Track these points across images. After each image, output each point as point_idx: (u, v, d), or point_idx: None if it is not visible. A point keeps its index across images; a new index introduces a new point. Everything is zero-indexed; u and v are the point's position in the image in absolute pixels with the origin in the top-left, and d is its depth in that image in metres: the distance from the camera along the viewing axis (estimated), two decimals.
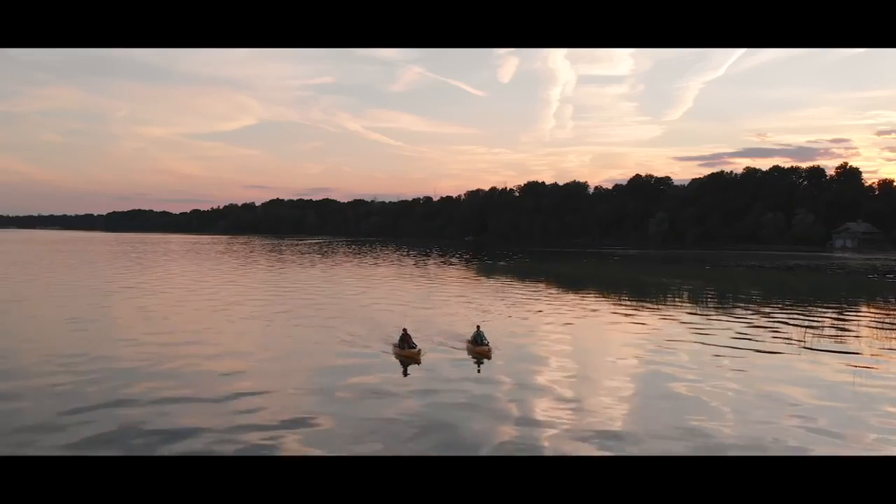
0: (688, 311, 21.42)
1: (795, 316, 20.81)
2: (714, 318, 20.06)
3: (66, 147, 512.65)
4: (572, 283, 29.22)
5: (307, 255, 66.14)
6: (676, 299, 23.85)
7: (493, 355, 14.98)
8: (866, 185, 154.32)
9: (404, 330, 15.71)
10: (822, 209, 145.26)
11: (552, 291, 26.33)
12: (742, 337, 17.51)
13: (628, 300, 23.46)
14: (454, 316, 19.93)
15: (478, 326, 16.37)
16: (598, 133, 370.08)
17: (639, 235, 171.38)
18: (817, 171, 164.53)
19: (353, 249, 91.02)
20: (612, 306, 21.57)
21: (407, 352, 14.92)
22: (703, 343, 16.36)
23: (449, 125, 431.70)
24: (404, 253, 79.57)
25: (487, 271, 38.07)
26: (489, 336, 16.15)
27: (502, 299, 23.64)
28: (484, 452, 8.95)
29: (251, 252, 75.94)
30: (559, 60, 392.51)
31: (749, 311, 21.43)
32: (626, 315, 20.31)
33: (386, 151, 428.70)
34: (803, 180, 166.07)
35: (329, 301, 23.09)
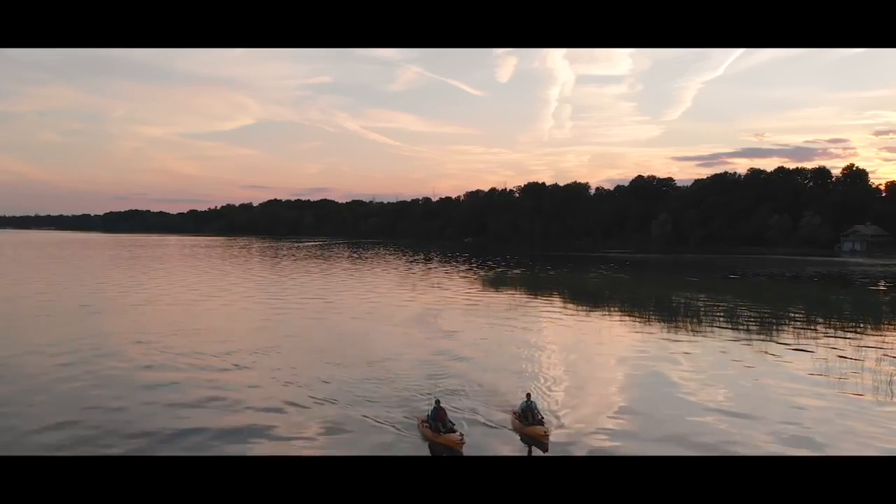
0: (739, 341, 19.17)
1: (865, 346, 18.54)
2: (776, 352, 17.81)
3: (64, 147, 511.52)
4: (593, 300, 27.01)
5: (308, 262, 63.89)
6: (717, 324, 21.65)
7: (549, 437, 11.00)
8: (873, 186, 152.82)
9: (437, 402, 11.68)
10: (829, 211, 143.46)
11: (576, 314, 24.11)
12: (822, 375, 15.27)
13: (665, 326, 21.21)
14: (484, 358, 16.24)
15: (528, 395, 12.09)
16: (597, 133, 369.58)
17: (641, 238, 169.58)
18: (823, 173, 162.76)
19: (354, 253, 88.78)
20: (653, 338, 19.34)
21: (444, 438, 11.21)
22: (794, 395, 13.50)
23: (447, 125, 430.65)
24: (407, 258, 77.37)
25: (498, 284, 35.88)
26: (541, 404, 12.33)
27: (527, 327, 21.28)
28: None
29: (250, 256, 73.67)
30: (558, 60, 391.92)
31: (807, 342, 19.15)
32: (680, 352, 17.94)
33: (384, 151, 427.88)
34: (808, 181, 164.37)
35: (335, 333, 20.60)
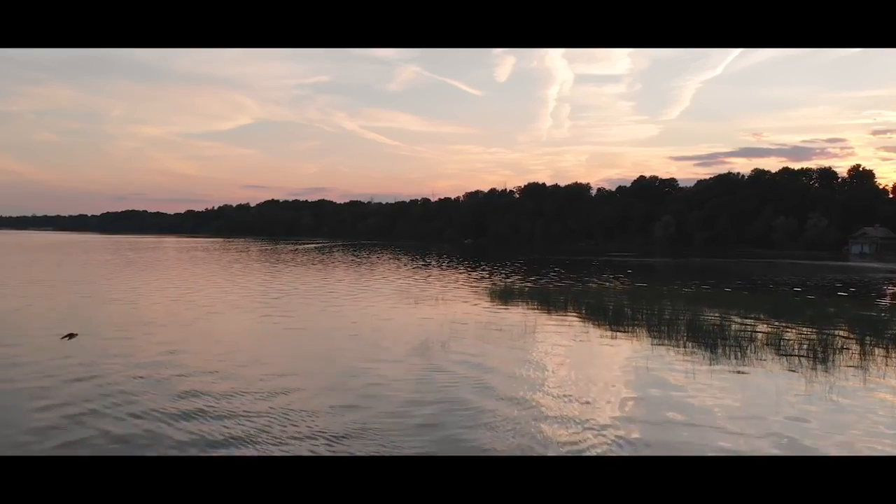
0: (796, 375, 16.80)
1: None
2: (843, 390, 15.37)
3: (62, 146, 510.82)
4: (617, 321, 24.58)
5: (308, 268, 61.53)
6: (764, 353, 19.29)
7: None
8: (879, 187, 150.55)
9: None
10: (835, 213, 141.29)
11: (602, 340, 21.70)
12: None
13: (708, 358, 18.80)
14: (524, 427, 13.06)
15: None
16: (595, 132, 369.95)
17: (644, 239, 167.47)
18: (828, 174, 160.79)
19: (353, 258, 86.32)
20: (701, 374, 16.91)
21: None
22: None
23: (446, 125, 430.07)
24: (408, 263, 74.99)
25: (506, 298, 33.57)
26: None
27: (551, 361, 18.69)
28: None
29: (249, 262, 71.19)
30: (556, 60, 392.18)
31: (875, 375, 16.75)
32: (737, 393, 15.51)
33: (383, 151, 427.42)
34: (814, 182, 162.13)
35: (339, 369, 18.05)
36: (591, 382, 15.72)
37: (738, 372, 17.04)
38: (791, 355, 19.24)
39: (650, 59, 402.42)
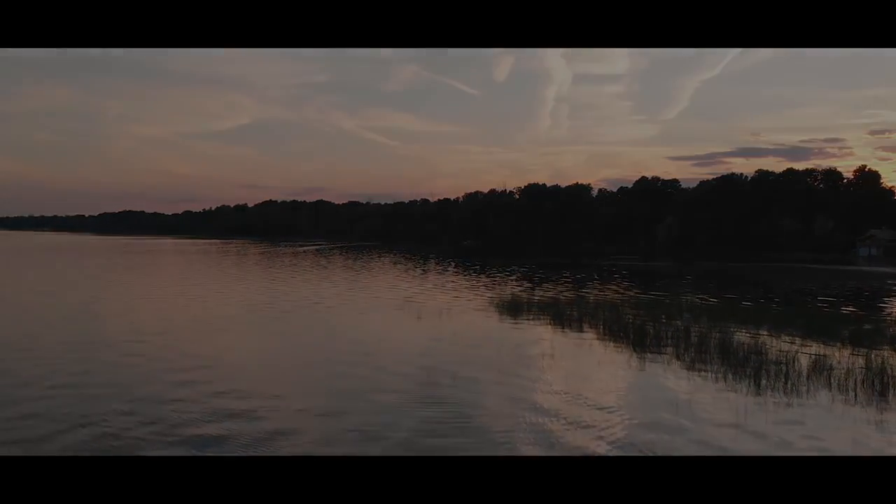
0: (855, 413, 14.97)
1: None
2: None
3: (59, 147, 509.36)
4: (641, 344, 23.08)
5: (309, 274, 59.85)
6: (814, 386, 17.48)
7: None
8: (886, 188, 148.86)
9: None
10: (841, 215, 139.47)
11: (627, 367, 20.01)
12: None
13: (754, 394, 16.99)
14: None
15: None
16: (594, 132, 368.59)
17: (647, 241, 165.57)
18: (833, 174, 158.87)
19: (353, 262, 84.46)
20: (753, 415, 15.10)
21: None
22: None
23: (444, 124, 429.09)
24: (409, 268, 73.18)
25: (514, 311, 32.16)
26: None
27: (572, 395, 16.81)
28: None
29: (248, 267, 69.32)
30: (555, 59, 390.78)
31: None
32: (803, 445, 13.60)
33: (381, 151, 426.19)
34: (818, 183, 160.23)
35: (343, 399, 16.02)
36: (630, 426, 13.73)
37: (793, 408, 15.14)
38: (845, 385, 17.30)
39: (649, 59, 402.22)
